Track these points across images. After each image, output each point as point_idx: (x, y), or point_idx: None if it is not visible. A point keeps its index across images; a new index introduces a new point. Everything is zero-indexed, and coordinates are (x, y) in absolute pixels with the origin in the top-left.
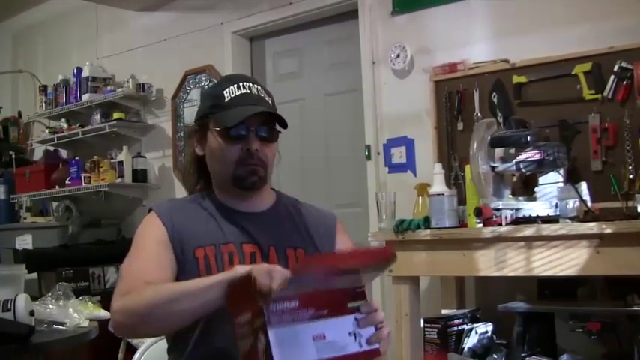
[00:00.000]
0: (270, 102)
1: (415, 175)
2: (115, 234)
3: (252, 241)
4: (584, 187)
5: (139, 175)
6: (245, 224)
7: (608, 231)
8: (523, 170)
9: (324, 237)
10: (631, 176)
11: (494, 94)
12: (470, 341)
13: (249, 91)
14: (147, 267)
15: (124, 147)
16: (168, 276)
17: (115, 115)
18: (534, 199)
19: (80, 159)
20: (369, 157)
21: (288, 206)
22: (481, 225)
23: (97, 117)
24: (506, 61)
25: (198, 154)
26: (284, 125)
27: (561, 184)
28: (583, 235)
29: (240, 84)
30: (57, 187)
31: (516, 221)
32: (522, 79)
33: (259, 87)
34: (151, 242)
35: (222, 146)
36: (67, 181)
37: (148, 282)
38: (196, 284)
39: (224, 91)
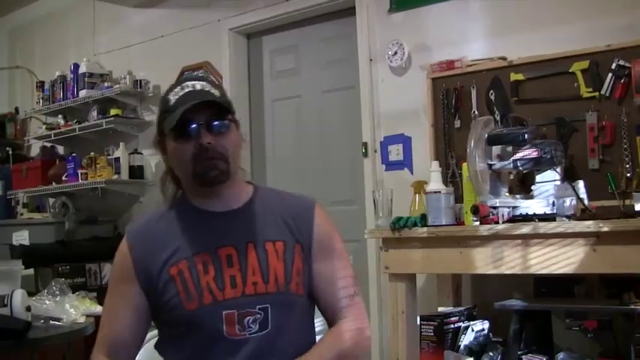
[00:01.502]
0: (217, 94)
1: (412, 172)
2: (111, 230)
3: (227, 243)
4: (581, 185)
5: (136, 172)
6: (220, 226)
7: (605, 229)
8: (520, 168)
9: (301, 225)
10: (628, 174)
11: (491, 91)
12: (466, 339)
13: (192, 89)
14: (114, 318)
15: (121, 143)
16: (131, 321)
17: (112, 112)
18: (531, 197)
19: (77, 155)
20: (365, 155)
21: (265, 198)
22: (478, 223)
23: (94, 113)
24: (504, 58)
25: (166, 163)
26: (229, 111)
27: (558, 182)
28: (580, 234)
29: (184, 84)
30: (53, 183)
31: (513, 219)
32: (520, 76)
33: (205, 83)
34: (118, 286)
35: (175, 148)
36: (63, 178)
37: (110, 344)
38: None
39: (170, 95)
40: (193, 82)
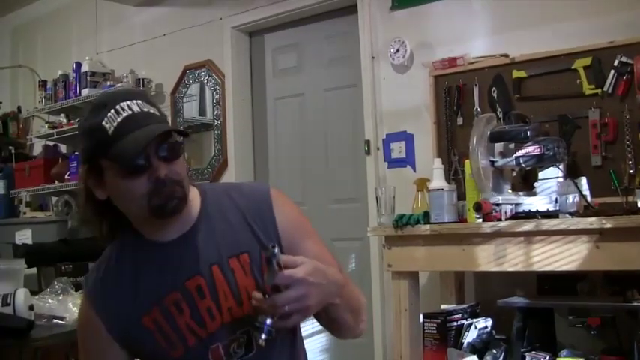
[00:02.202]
0: (157, 112)
1: (414, 170)
2: None
3: (193, 272)
4: (583, 182)
5: None
6: (179, 256)
7: (608, 226)
8: (523, 165)
9: (262, 224)
10: (631, 171)
11: (493, 89)
12: (469, 336)
13: (130, 112)
14: None
15: None
16: None
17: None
18: (534, 194)
19: (79, 154)
20: (368, 152)
21: (215, 204)
22: (481, 220)
23: None
24: (506, 55)
25: (101, 198)
26: (184, 134)
27: (561, 179)
28: (583, 230)
29: (117, 107)
30: (56, 182)
31: (516, 216)
32: (522, 73)
33: (140, 101)
34: (89, 346)
35: (125, 184)
36: (66, 176)
37: None
38: None
39: (104, 123)
40: (127, 103)
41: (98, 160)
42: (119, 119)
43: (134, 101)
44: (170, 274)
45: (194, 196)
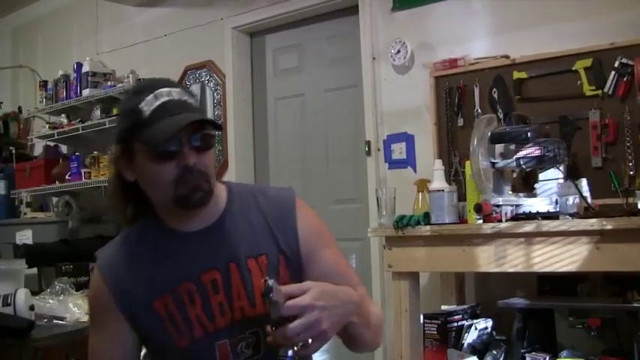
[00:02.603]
0: (195, 104)
1: (415, 170)
2: (114, 229)
3: (210, 266)
4: (584, 183)
5: None
6: (199, 248)
7: (609, 227)
8: (523, 166)
9: (284, 230)
10: (631, 172)
11: (494, 90)
12: (469, 337)
13: (168, 99)
14: (100, 355)
15: None
16: (121, 357)
17: (115, 111)
18: (534, 195)
19: (80, 154)
20: (369, 153)
21: (240, 203)
22: (481, 221)
23: (97, 112)
24: (507, 57)
25: (129, 179)
26: (218, 127)
27: (561, 181)
28: (583, 232)
29: (157, 92)
30: (57, 182)
31: (516, 217)
32: (523, 75)
33: (179, 90)
34: (100, 318)
35: (154, 167)
36: (67, 177)
37: None
38: None
39: (141, 105)
40: (167, 90)
41: (131, 141)
42: (156, 104)
43: (174, 89)
44: (187, 265)
45: (220, 192)
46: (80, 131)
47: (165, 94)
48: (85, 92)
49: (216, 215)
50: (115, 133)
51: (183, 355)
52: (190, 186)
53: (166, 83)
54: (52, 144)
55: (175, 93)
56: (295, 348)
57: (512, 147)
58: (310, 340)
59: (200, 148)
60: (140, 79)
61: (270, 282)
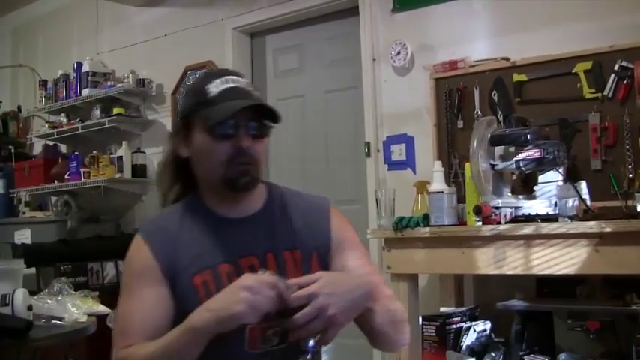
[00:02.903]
0: (259, 95)
1: (415, 172)
2: (114, 229)
3: (249, 252)
4: (583, 185)
5: (139, 171)
6: (239, 234)
7: (608, 230)
8: (523, 168)
9: (318, 231)
10: (630, 175)
11: (494, 92)
12: (468, 339)
13: (235, 85)
14: (141, 317)
15: (124, 142)
16: (160, 323)
17: (115, 111)
18: (534, 198)
19: (79, 154)
20: (368, 154)
21: (279, 201)
22: (480, 223)
23: (97, 112)
24: (507, 59)
25: (183, 155)
26: (275, 120)
27: (561, 183)
28: (582, 234)
29: (225, 78)
30: (56, 181)
31: (515, 219)
32: (523, 77)
33: (247, 81)
34: (143, 283)
35: (209, 145)
36: (66, 176)
37: (141, 336)
38: (176, 343)
39: (209, 86)
40: (235, 77)
41: (192, 117)
42: (223, 87)
43: (242, 79)
44: (228, 248)
45: (261, 188)
46: (80, 131)
47: (233, 81)
48: (85, 92)
49: (256, 207)
50: (178, 110)
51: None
52: (240, 169)
53: (236, 73)
54: (51, 143)
55: (242, 82)
56: (315, 338)
57: (512, 149)
58: (325, 328)
59: (255, 136)
60: (142, 79)
61: (276, 278)
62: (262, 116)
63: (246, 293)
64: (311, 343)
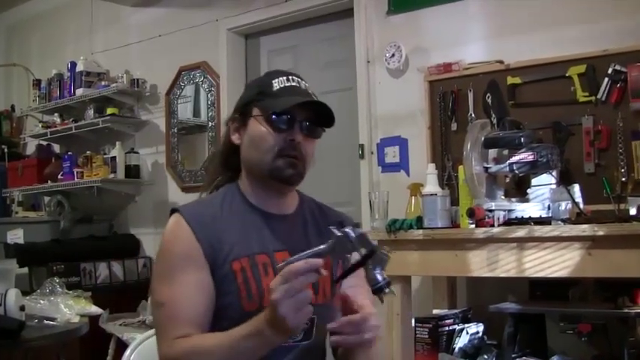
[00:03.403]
0: (316, 99)
1: (408, 174)
2: (107, 229)
3: (284, 247)
4: (576, 188)
5: (132, 171)
6: (275, 229)
7: (601, 233)
8: (516, 171)
9: None
10: (623, 179)
11: (488, 94)
12: (461, 341)
13: (297, 85)
14: (188, 304)
15: (117, 142)
16: (206, 308)
17: (109, 111)
18: (527, 201)
19: (73, 154)
20: (362, 156)
21: (311, 208)
22: (474, 225)
23: (91, 112)
24: (501, 62)
25: (235, 142)
26: (328, 124)
27: (554, 186)
28: (575, 237)
29: (290, 77)
30: (49, 181)
31: (509, 222)
32: (517, 80)
33: (307, 84)
34: (187, 267)
35: (265, 133)
36: (59, 176)
37: (190, 324)
38: (239, 343)
39: (273, 81)
40: (298, 79)
41: (252, 106)
42: (287, 84)
43: (303, 82)
44: (265, 239)
45: (295, 194)
46: (73, 131)
47: (296, 81)
48: (79, 92)
49: (292, 208)
50: (239, 101)
51: (246, 320)
52: (288, 161)
53: (299, 75)
54: (44, 143)
55: (303, 84)
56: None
57: (506, 152)
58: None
59: (308, 134)
60: (136, 79)
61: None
62: (318, 118)
63: (282, 309)
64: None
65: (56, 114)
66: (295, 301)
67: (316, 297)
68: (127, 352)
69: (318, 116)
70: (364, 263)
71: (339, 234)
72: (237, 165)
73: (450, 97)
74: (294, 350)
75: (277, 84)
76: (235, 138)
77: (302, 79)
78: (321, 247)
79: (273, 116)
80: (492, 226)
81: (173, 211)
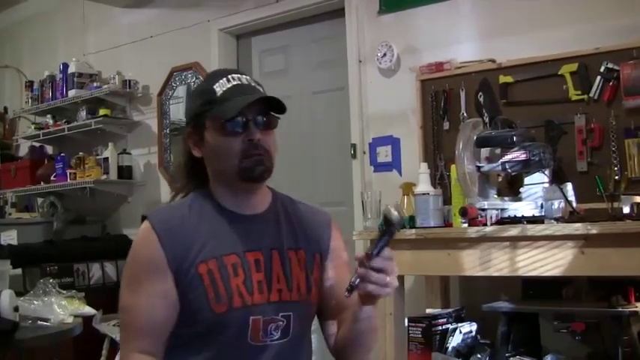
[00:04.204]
0: (262, 90)
1: (400, 174)
2: (99, 230)
3: (255, 247)
4: (569, 187)
5: (125, 172)
6: (246, 229)
7: (594, 232)
8: (509, 170)
9: (320, 236)
10: (616, 177)
11: (480, 93)
12: (454, 341)
13: (240, 82)
14: (148, 314)
15: (110, 143)
16: (165, 317)
17: (101, 112)
18: (520, 200)
19: (66, 155)
20: (354, 156)
21: (284, 205)
22: (466, 225)
23: (83, 113)
24: (493, 61)
25: (197, 155)
26: (281, 111)
27: (547, 185)
28: (568, 236)
29: (229, 77)
30: (42, 183)
31: (501, 221)
32: (509, 79)
33: (249, 78)
34: (150, 275)
35: (222, 142)
36: (52, 177)
37: (148, 334)
38: None
39: (214, 87)
40: (238, 75)
41: (202, 118)
42: (229, 85)
43: (245, 76)
44: (235, 240)
45: (266, 190)
46: (66, 132)
47: (237, 79)
48: (71, 93)
49: (263, 207)
50: (187, 113)
51: (217, 322)
52: (254, 160)
53: (238, 71)
54: (37, 144)
55: (245, 79)
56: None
57: (498, 151)
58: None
59: (265, 127)
60: (128, 80)
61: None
62: (268, 109)
63: None
64: (357, 281)
65: (49, 115)
66: None
67: (291, 294)
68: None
69: (269, 106)
70: (389, 241)
71: (397, 217)
72: (202, 173)
73: (442, 97)
74: (271, 348)
75: (220, 88)
76: (196, 152)
77: (243, 73)
78: (385, 237)
79: (227, 123)
80: (485, 225)
81: (144, 217)
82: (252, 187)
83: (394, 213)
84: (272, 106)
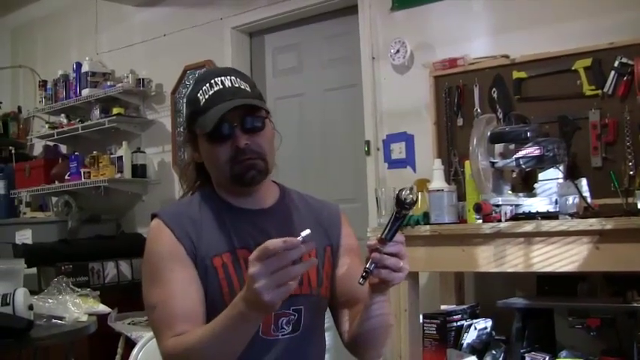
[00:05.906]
0: (248, 89)
1: (414, 170)
2: (114, 229)
3: (265, 240)
4: (584, 183)
5: (139, 171)
6: (255, 223)
7: (608, 227)
8: (523, 166)
9: (330, 229)
10: (631, 172)
11: (494, 89)
12: (469, 337)
13: (222, 87)
14: (180, 302)
15: (124, 142)
16: (199, 302)
17: (115, 111)
18: (534, 195)
19: (80, 154)
20: (368, 153)
21: (292, 199)
22: (481, 221)
23: (97, 112)
24: (506, 56)
25: (197, 161)
26: (264, 108)
27: (561, 180)
28: (583, 232)
29: (212, 81)
30: (56, 182)
31: (516, 217)
32: (522, 74)
33: (234, 77)
34: (173, 265)
35: (211, 150)
36: (66, 176)
37: (186, 320)
38: (222, 324)
39: (198, 95)
40: (221, 78)
41: (193, 127)
42: (210, 92)
43: (228, 77)
44: (245, 234)
45: (274, 186)
46: (80, 131)
47: (219, 83)
48: (85, 92)
49: (271, 202)
50: (183, 121)
51: None
52: (244, 165)
53: (222, 72)
54: (51, 144)
55: (228, 81)
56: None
57: (512, 147)
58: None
59: (251, 130)
60: (141, 79)
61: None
62: (255, 109)
63: (258, 283)
64: (372, 266)
65: (62, 115)
66: (273, 277)
67: (301, 287)
68: (135, 350)
69: (254, 106)
70: (401, 224)
71: (411, 199)
72: (208, 173)
73: (456, 93)
74: (279, 343)
75: (202, 96)
76: (196, 157)
77: (229, 74)
78: (398, 221)
79: (211, 134)
80: (499, 221)
81: (153, 216)
82: (248, 189)
83: (408, 194)
84: (252, 105)
